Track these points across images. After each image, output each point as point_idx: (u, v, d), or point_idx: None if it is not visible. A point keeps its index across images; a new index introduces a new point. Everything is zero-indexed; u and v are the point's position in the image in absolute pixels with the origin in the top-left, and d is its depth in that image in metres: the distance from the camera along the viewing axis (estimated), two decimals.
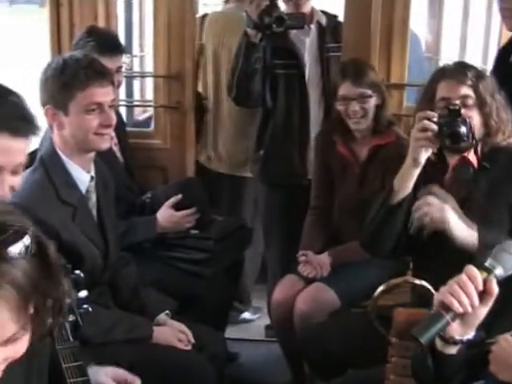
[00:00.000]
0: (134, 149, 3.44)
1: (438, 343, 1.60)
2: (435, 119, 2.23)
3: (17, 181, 1.84)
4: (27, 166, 2.10)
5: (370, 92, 2.97)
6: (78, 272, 1.74)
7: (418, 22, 4.47)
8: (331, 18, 3.54)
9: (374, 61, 3.39)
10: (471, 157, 2.31)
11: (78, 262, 2.26)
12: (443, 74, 2.36)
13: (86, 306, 1.73)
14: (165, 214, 3.01)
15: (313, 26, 3.48)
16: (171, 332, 2.47)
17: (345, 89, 2.97)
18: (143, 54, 4.73)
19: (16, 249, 1.04)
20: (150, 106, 4.13)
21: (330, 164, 3.12)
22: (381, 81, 3.11)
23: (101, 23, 3.59)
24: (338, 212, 3.11)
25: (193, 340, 2.49)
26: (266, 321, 3.73)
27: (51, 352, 1.67)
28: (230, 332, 3.40)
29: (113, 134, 2.66)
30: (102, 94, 2.33)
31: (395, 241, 2.36)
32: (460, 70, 2.33)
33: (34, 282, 1.05)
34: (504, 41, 3.38)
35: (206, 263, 3.04)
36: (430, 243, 2.31)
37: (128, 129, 3.61)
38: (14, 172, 1.83)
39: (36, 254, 1.07)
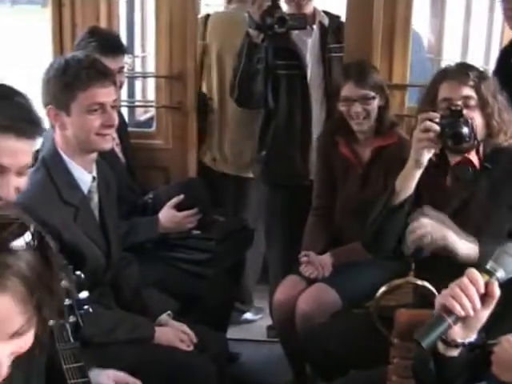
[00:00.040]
0: (136, 149, 3.44)
1: (440, 346, 1.60)
2: (437, 120, 2.23)
3: (22, 182, 1.85)
4: (29, 167, 2.10)
5: (372, 93, 2.97)
6: (78, 273, 1.74)
7: (420, 21, 4.46)
8: (333, 18, 3.54)
9: (376, 61, 3.39)
10: (473, 157, 2.31)
11: (80, 263, 2.26)
12: (445, 74, 2.36)
13: (86, 306, 1.73)
14: (167, 215, 3.01)
15: (315, 27, 3.48)
16: (173, 332, 2.47)
17: (347, 90, 2.96)
18: (145, 55, 4.73)
19: (20, 242, 1.07)
20: (151, 106, 4.13)
21: (333, 164, 3.12)
22: (384, 82, 3.10)
23: (103, 23, 3.59)
24: (339, 212, 3.11)
25: (195, 340, 2.49)
26: (268, 321, 3.73)
27: (52, 353, 1.67)
28: (232, 332, 3.40)
29: (115, 134, 2.66)
30: (104, 94, 2.34)
31: (397, 241, 2.37)
32: (462, 71, 2.33)
33: (38, 274, 1.08)
34: (506, 41, 3.38)
35: (207, 264, 3.05)
36: None
37: (130, 129, 3.60)
38: (20, 173, 1.83)
39: (37, 248, 1.09)
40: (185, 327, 2.50)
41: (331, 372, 2.56)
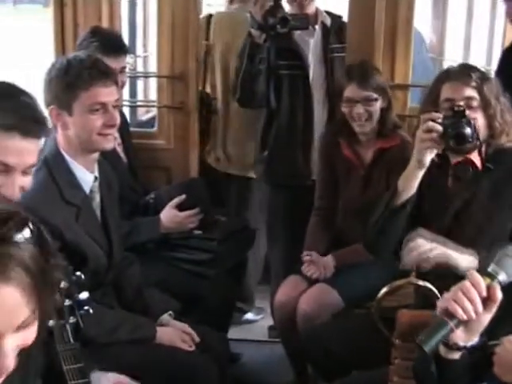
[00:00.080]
0: (138, 149, 3.44)
1: (442, 349, 1.59)
2: (440, 120, 2.23)
3: (27, 181, 1.85)
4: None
5: (375, 95, 2.97)
6: (78, 273, 1.74)
7: (422, 22, 4.46)
8: (336, 18, 3.54)
9: (378, 61, 3.39)
10: (475, 158, 2.31)
11: (82, 263, 2.26)
12: (448, 75, 2.36)
13: (86, 307, 1.73)
14: (168, 215, 3.02)
15: (317, 27, 3.48)
16: (174, 332, 2.47)
17: (350, 91, 2.96)
18: (147, 55, 4.73)
19: (22, 234, 1.08)
20: (153, 106, 4.13)
21: (335, 165, 3.12)
22: (386, 84, 3.10)
23: (105, 23, 3.59)
24: (342, 213, 3.11)
25: (197, 339, 2.49)
26: (269, 321, 3.73)
27: (52, 354, 1.67)
28: (233, 333, 3.40)
29: (116, 134, 2.66)
30: (106, 93, 2.34)
31: (399, 241, 2.36)
32: (464, 72, 2.33)
33: (40, 266, 1.08)
34: (508, 42, 3.38)
35: (209, 264, 3.05)
36: None
37: (131, 129, 3.61)
38: (25, 172, 1.83)
39: (36, 243, 1.10)
40: (186, 327, 2.51)
41: (332, 372, 2.56)
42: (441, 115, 2.25)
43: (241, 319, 3.95)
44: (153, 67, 4.33)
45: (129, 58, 3.33)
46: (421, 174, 2.26)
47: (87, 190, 2.38)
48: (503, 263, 1.55)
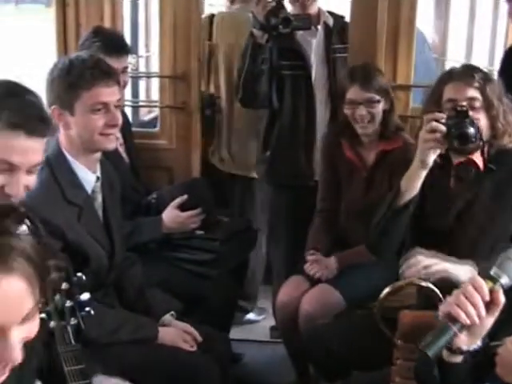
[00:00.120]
0: (140, 149, 3.44)
1: (444, 353, 1.59)
2: (443, 120, 2.23)
3: (31, 180, 1.85)
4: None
5: (377, 97, 2.96)
6: (79, 274, 1.73)
7: (425, 22, 4.46)
8: (338, 18, 3.54)
9: (380, 61, 3.39)
10: (477, 159, 2.31)
11: (84, 263, 2.26)
12: (450, 76, 2.36)
13: (88, 308, 1.72)
14: (170, 215, 3.01)
15: (319, 27, 3.48)
16: (176, 333, 2.47)
17: (353, 93, 2.96)
18: (149, 55, 4.74)
19: (22, 226, 1.10)
20: (155, 106, 4.14)
21: (337, 165, 3.12)
22: (389, 86, 3.09)
23: (107, 23, 3.59)
24: (344, 215, 3.10)
25: (200, 339, 2.48)
26: (271, 322, 3.73)
27: (53, 355, 1.67)
28: (235, 333, 3.40)
29: (118, 134, 2.66)
30: (108, 93, 2.33)
31: (401, 242, 2.37)
32: (467, 73, 2.33)
33: (40, 256, 1.09)
34: (510, 42, 3.38)
35: (211, 264, 3.04)
36: (436, 246, 2.31)
37: (134, 129, 3.61)
38: (29, 171, 1.83)
39: (33, 237, 1.12)
40: (188, 327, 2.50)
41: (334, 373, 2.56)
42: (444, 115, 2.25)
43: (243, 319, 3.95)
44: (155, 67, 4.34)
45: (131, 58, 3.33)
46: (424, 174, 2.26)
47: (89, 189, 2.38)
48: (505, 266, 1.54)
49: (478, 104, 2.29)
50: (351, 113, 2.97)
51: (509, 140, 2.34)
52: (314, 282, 2.93)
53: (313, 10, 3.44)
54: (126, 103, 3.91)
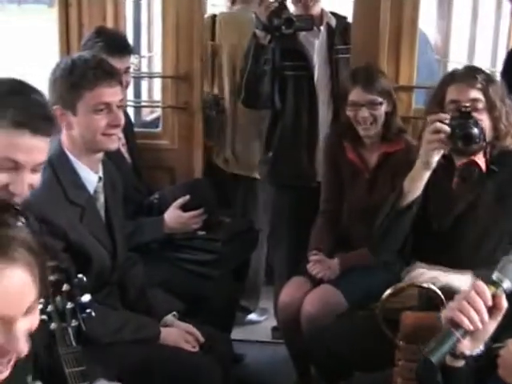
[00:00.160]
0: (142, 149, 3.44)
1: (447, 358, 1.58)
2: (447, 121, 2.22)
3: (36, 179, 1.85)
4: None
5: (380, 99, 2.96)
6: (80, 276, 1.73)
7: (427, 23, 4.45)
8: (341, 19, 3.54)
9: (383, 62, 3.38)
10: (480, 160, 2.31)
11: (86, 263, 2.26)
12: (453, 77, 2.36)
13: (89, 310, 1.72)
14: (172, 215, 3.01)
15: (322, 28, 3.48)
16: (178, 333, 2.47)
17: (355, 95, 2.95)
18: (151, 55, 4.73)
19: (21, 219, 1.13)
20: (157, 106, 4.14)
21: (340, 166, 3.11)
22: (391, 88, 3.09)
23: (109, 24, 3.59)
24: (347, 215, 3.10)
25: (202, 339, 2.48)
26: (273, 322, 3.73)
27: (54, 357, 1.67)
28: (237, 333, 3.40)
29: (121, 134, 2.66)
30: (110, 93, 2.33)
31: (403, 243, 2.37)
32: (470, 74, 2.34)
33: (39, 246, 1.10)
34: None
35: (213, 264, 3.04)
36: (437, 247, 2.31)
37: (136, 129, 3.61)
38: (34, 170, 1.83)
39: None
40: (191, 327, 2.50)
41: (336, 373, 2.56)
42: (448, 116, 2.24)
43: (244, 320, 3.95)
44: (157, 67, 4.33)
45: (133, 59, 3.34)
46: (427, 175, 2.26)
47: (91, 190, 2.38)
48: (507, 270, 1.53)
49: (480, 105, 2.29)
50: (353, 115, 2.97)
51: (511, 141, 2.34)
52: (315, 282, 2.93)
53: (315, 11, 3.44)
54: (129, 103, 3.91)
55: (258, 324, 4.03)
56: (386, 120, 2.99)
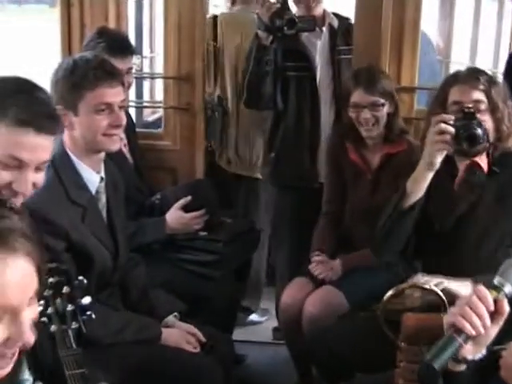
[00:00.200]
0: (144, 150, 3.44)
1: (449, 363, 1.58)
2: (451, 122, 2.22)
3: (40, 178, 1.85)
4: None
5: (382, 100, 2.96)
6: (81, 278, 1.72)
7: (429, 24, 4.44)
8: (343, 20, 3.53)
9: (385, 63, 3.38)
10: (482, 161, 2.31)
11: (88, 263, 2.26)
12: (456, 79, 2.37)
13: (89, 312, 1.71)
14: (174, 216, 3.01)
15: (324, 29, 3.48)
16: (180, 334, 2.47)
17: (357, 96, 2.95)
18: (153, 55, 4.73)
19: (17, 212, 1.15)
20: (159, 107, 4.13)
21: (342, 167, 3.11)
22: (393, 89, 3.08)
23: (111, 24, 3.59)
24: (349, 216, 3.10)
25: (203, 339, 2.48)
26: (274, 323, 3.73)
27: (54, 359, 1.66)
28: (238, 334, 3.40)
29: (122, 134, 2.66)
30: (112, 94, 2.33)
31: (405, 243, 2.36)
32: (472, 75, 2.34)
33: (35, 236, 1.11)
34: None
35: (214, 265, 3.04)
36: (439, 248, 2.31)
37: (137, 130, 3.61)
38: (38, 169, 1.83)
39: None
40: (192, 328, 2.50)
41: (337, 374, 2.56)
42: (452, 117, 2.24)
43: (245, 320, 3.95)
44: (159, 68, 4.33)
45: (135, 59, 3.33)
46: (430, 176, 2.26)
47: (93, 190, 2.38)
48: (508, 275, 1.53)
49: (483, 107, 2.29)
50: (356, 116, 2.97)
51: None
52: (317, 283, 2.93)
53: (318, 12, 3.44)
54: (130, 104, 3.91)
55: (260, 325, 4.04)
56: (388, 121, 2.99)
